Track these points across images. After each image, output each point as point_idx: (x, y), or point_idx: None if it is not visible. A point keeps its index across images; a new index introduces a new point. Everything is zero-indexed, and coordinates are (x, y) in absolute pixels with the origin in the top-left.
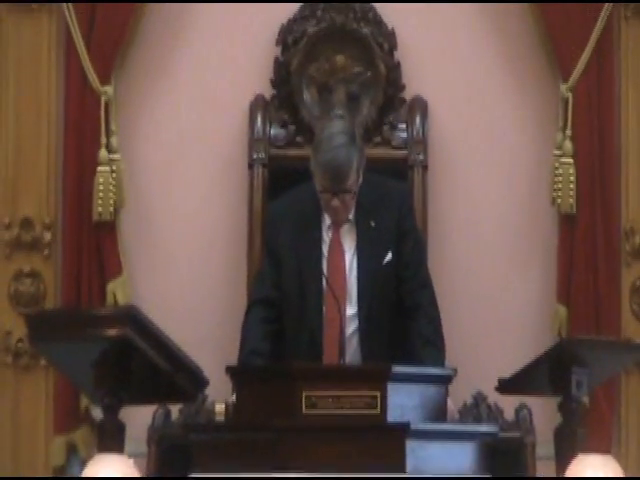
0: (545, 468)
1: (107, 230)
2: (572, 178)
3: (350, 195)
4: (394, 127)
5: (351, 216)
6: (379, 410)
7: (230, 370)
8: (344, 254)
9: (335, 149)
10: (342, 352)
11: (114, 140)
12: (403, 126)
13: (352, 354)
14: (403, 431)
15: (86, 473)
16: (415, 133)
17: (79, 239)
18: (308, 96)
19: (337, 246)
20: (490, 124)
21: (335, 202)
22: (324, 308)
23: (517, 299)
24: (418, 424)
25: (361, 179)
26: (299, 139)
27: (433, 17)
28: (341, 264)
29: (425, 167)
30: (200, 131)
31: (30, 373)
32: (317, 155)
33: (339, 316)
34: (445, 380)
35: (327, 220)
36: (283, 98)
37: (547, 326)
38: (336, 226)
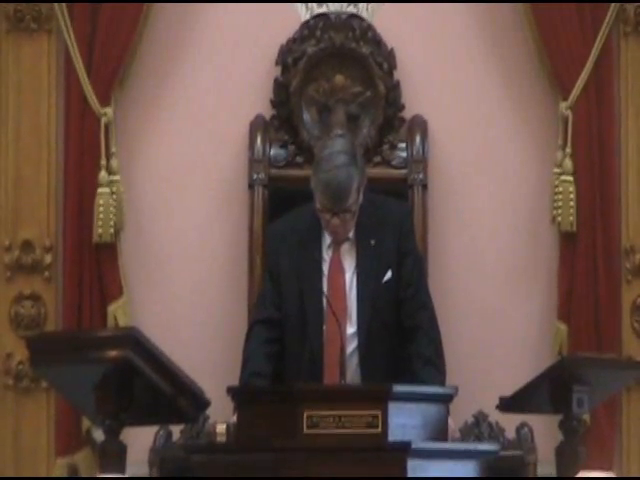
0: None
1: (107, 252)
2: (572, 196)
3: (350, 214)
4: (394, 147)
5: (351, 235)
6: (380, 429)
7: (231, 391)
8: (344, 273)
9: (335, 168)
10: (343, 371)
11: (114, 162)
12: (403, 145)
13: (352, 373)
14: (404, 450)
15: None
16: (415, 152)
17: (80, 261)
18: (308, 116)
19: (337, 265)
20: (490, 143)
21: (335, 221)
22: (324, 327)
23: (518, 317)
24: (419, 443)
25: (361, 198)
26: (299, 159)
27: (432, 36)
28: (341, 283)
29: (425, 186)
30: (200, 152)
31: (31, 396)
32: (317, 174)
33: (340, 335)
34: (446, 399)
35: (327, 239)
36: (283, 118)
37: (548, 344)
38: (336, 245)
